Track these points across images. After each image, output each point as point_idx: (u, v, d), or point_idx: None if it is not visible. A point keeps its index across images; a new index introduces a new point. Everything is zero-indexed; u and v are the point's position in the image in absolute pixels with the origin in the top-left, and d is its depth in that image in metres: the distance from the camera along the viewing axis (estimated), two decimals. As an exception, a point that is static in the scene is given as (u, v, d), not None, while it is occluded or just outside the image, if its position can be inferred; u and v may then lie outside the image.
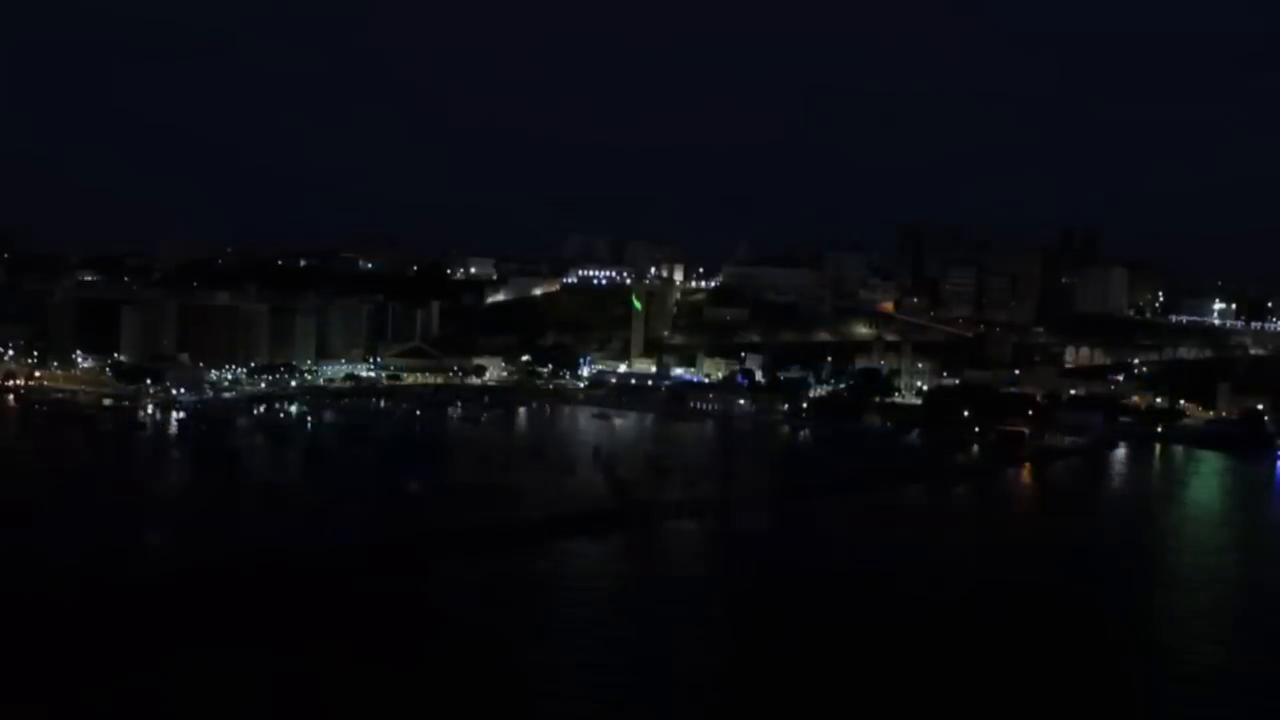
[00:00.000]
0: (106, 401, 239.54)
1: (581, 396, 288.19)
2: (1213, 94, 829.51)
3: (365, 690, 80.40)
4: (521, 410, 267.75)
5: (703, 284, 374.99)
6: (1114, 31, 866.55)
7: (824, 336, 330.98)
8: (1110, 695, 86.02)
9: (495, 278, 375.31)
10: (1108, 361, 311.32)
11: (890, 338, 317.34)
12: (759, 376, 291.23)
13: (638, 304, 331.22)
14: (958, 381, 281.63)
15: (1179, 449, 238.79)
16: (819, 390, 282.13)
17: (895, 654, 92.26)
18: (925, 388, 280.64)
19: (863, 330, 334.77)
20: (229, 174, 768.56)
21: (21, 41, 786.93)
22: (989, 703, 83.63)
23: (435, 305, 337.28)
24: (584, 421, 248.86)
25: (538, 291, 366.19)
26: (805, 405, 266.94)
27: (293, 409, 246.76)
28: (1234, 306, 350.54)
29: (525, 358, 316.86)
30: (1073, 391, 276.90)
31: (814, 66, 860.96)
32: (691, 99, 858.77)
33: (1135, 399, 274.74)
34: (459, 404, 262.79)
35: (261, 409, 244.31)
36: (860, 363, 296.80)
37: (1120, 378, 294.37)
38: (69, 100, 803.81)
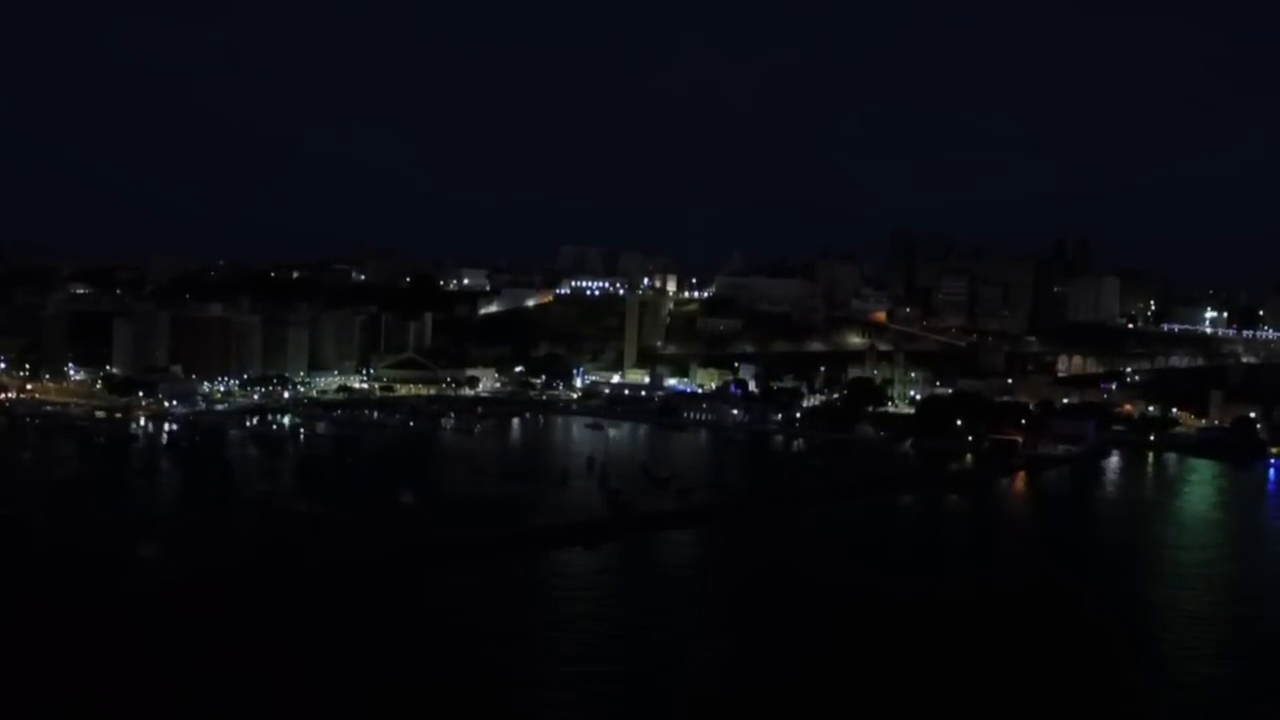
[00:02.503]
0: (99, 414, 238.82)
1: (575, 407, 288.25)
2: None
3: (362, 696, 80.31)
4: (515, 421, 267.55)
5: (696, 294, 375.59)
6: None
7: (817, 346, 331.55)
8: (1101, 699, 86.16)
9: (488, 288, 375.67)
10: (1100, 370, 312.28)
11: (883, 347, 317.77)
12: (752, 386, 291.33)
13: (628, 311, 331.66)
14: (951, 390, 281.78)
15: (1172, 456, 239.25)
16: (812, 400, 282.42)
17: (886, 656, 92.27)
18: (918, 397, 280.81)
19: (856, 340, 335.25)
20: (217, 184, 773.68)
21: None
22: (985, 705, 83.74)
23: (428, 316, 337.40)
24: (578, 432, 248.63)
25: (531, 302, 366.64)
26: (799, 415, 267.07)
27: (285, 420, 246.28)
28: (1225, 315, 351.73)
29: (519, 368, 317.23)
30: (1065, 400, 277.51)
31: (804, 74, 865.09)
32: (680, 106, 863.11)
33: (1128, 407, 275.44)
34: (452, 415, 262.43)
35: (254, 420, 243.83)
36: (853, 372, 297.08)
37: (1113, 386, 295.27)
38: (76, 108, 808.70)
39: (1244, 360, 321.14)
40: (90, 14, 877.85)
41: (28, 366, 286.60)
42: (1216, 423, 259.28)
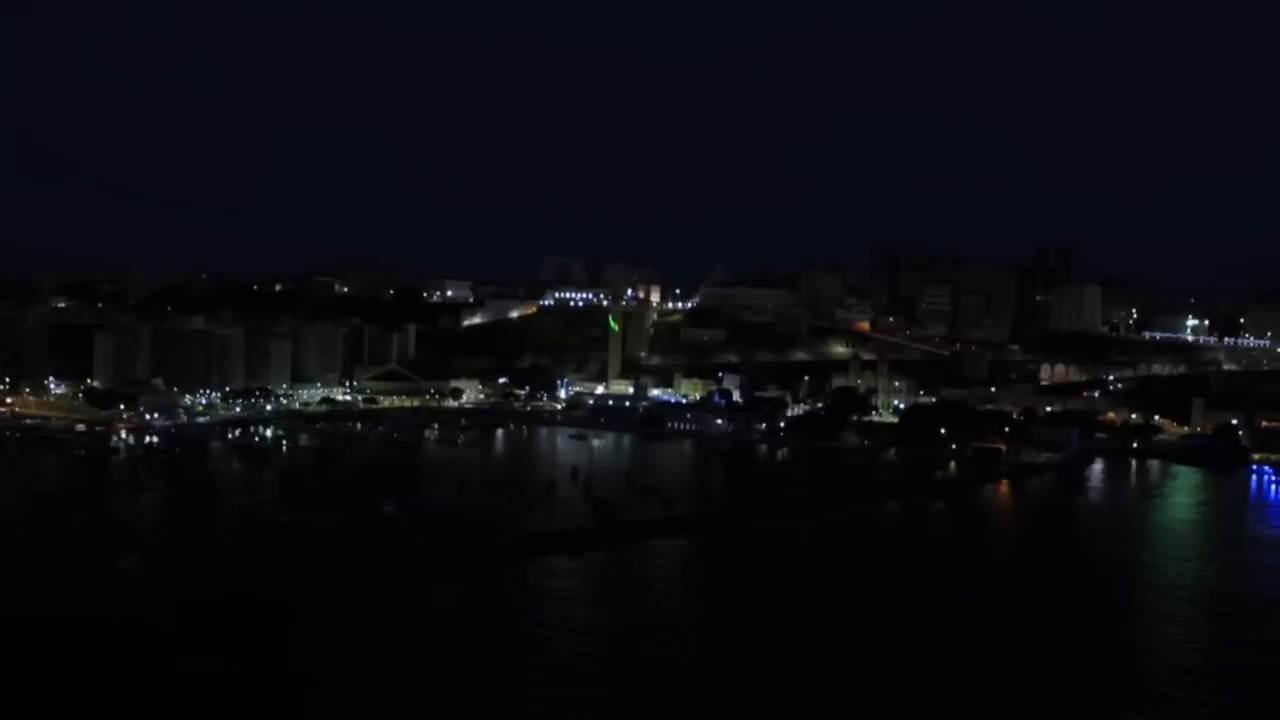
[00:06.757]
0: (80, 427, 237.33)
1: (559, 418, 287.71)
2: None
3: (349, 703, 79.96)
4: (499, 432, 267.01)
5: (680, 305, 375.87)
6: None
7: (801, 356, 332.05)
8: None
9: (472, 300, 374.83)
10: (1083, 378, 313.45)
11: (867, 356, 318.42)
12: (736, 396, 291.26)
13: (615, 325, 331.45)
14: (934, 399, 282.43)
15: (1154, 464, 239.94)
16: (796, 409, 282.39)
17: (871, 664, 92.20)
18: (902, 405, 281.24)
19: (839, 349, 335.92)
20: (206, 188, 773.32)
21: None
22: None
23: (412, 328, 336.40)
24: (562, 442, 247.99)
25: (514, 314, 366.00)
26: (783, 424, 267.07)
27: (268, 433, 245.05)
28: (1207, 323, 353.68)
29: (502, 380, 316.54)
30: (1048, 408, 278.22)
31: (790, 86, 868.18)
32: (668, 120, 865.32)
33: (1110, 415, 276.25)
34: (436, 426, 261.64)
35: (236, 433, 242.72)
36: (837, 381, 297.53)
37: (1095, 394, 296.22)
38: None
39: (1225, 368, 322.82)
40: (79, 21, 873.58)
41: (8, 380, 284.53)
42: (1199, 430, 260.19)
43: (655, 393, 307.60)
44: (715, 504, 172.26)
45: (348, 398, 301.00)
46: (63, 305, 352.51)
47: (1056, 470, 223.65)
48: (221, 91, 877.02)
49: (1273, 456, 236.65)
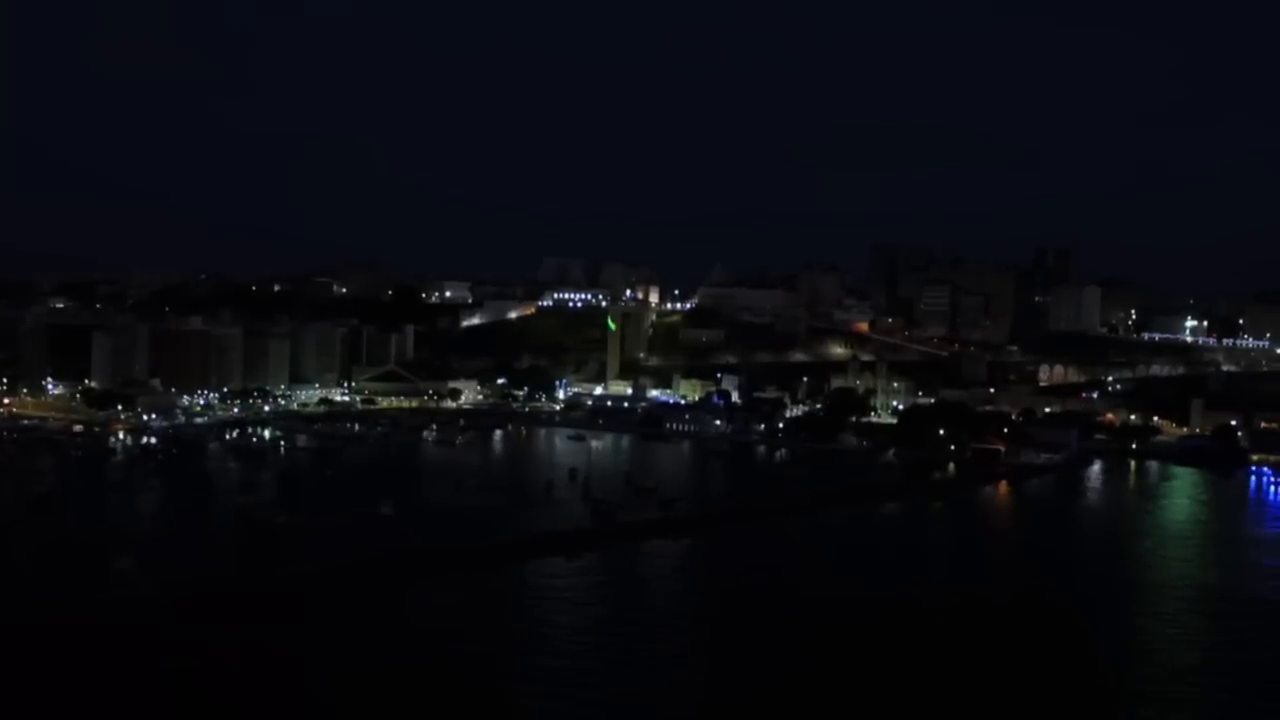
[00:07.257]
0: (77, 428, 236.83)
1: (558, 419, 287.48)
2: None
3: (348, 703, 79.69)
4: (497, 433, 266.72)
5: (678, 305, 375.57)
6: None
7: (799, 357, 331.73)
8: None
9: (470, 301, 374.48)
10: (1081, 379, 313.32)
11: (865, 357, 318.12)
12: (735, 397, 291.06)
13: (613, 324, 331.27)
14: (933, 400, 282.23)
15: (1153, 465, 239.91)
16: (795, 410, 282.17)
17: (867, 667, 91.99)
18: (901, 406, 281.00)
19: (838, 350, 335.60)
20: (206, 188, 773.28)
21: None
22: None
23: (410, 329, 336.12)
24: (560, 443, 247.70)
25: (513, 314, 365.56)
26: (781, 425, 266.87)
27: (266, 433, 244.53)
28: (1205, 324, 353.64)
29: (501, 380, 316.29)
30: (1047, 409, 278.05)
31: (785, 88, 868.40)
32: (667, 121, 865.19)
33: (1109, 416, 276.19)
34: (434, 427, 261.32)
35: (234, 433, 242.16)
36: (836, 382, 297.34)
37: (1094, 395, 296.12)
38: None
39: (1224, 369, 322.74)
40: (79, 21, 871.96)
41: (5, 380, 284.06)
42: (1198, 431, 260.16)
43: (654, 393, 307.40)
44: (714, 505, 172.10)
45: (346, 398, 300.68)
46: (61, 305, 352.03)
47: (1055, 471, 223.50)
48: (222, 92, 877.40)
49: (1271, 457, 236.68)
